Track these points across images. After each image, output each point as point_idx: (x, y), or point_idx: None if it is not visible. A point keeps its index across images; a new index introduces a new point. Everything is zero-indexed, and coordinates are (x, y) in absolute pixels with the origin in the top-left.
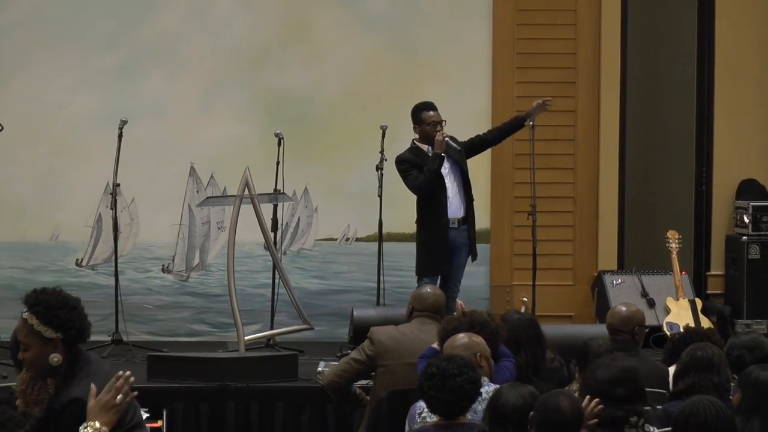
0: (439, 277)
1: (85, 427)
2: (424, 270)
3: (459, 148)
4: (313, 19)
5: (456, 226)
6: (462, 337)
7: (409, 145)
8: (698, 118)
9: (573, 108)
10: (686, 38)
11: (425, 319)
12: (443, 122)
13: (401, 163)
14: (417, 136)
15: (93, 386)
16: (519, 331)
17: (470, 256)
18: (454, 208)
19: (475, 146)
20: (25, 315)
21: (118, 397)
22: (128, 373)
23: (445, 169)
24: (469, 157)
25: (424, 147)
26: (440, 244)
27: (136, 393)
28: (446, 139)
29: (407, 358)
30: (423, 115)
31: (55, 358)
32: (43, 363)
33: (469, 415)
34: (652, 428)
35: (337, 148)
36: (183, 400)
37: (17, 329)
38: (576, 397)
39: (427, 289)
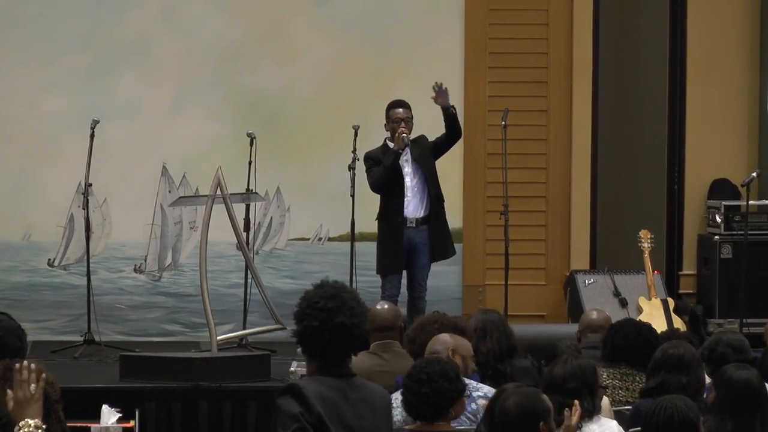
0: (407, 277)
1: (20, 429)
2: (381, 268)
3: (408, 143)
4: (286, 18)
5: (414, 225)
6: (444, 336)
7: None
8: (670, 118)
9: (545, 107)
10: (658, 37)
11: (383, 343)
12: (409, 120)
13: (366, 159)
14: (389, 134)
15: (9, 391)
16: (486, 320)
17: (436, 257)
18: (413, 207)
19: (438, 147)
20: None
21: (32, 386)
22: (25, 362)
23: (407, 167)
24: (437, 157)
25: (392, 144)
26: (395, 243)
27: (45, 376)
28: (403, 136)
29: None
30: (390, 113)
31: None
32: None
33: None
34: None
35: (309, 148)
36: (155, 400)
37: None
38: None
39: (377, 306)
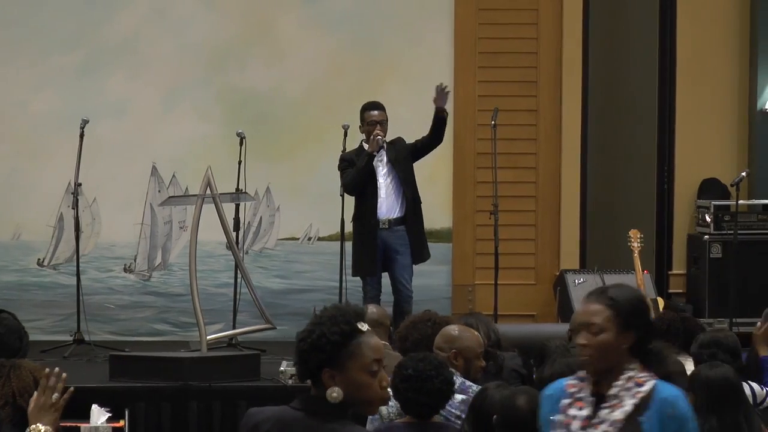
0: (389, 279)
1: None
2: (355, 270)
3: (382, 145)
4: (276, 18)
5: (387, 226)
6: (452, 331)
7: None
8: (660, 118)
9: (535, 107)
10: (648, 37)
11: None
12: (384, 122)
13: (341, 161)
14: (364, 135)
15: (35, 393)
16: (470, 321)
17: (416, 258)
18: (386, 209)
19: (417, 149)
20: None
21: (54, 395)
22: (57, 369)
23: (383, 169)
24: (415, 159)
25: (367, 146)
26: (368, 245)
27: (72, 389)
28: (378, 138)
29: None
30: (365, 115)
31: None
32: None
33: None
34: None
35: (299, 148)
36: (145, 400)
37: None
38: (535, 393)
39: (366, 309)
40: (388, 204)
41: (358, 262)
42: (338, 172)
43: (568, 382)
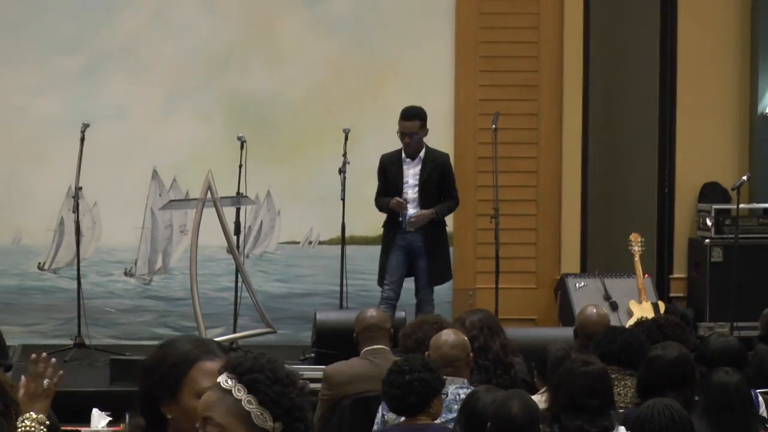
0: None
1: (22, 420)
2: (379, 277)
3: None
4: (276, 21)
5: (413, 229)
6: (459, 338)
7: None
8: (661, 121)
9: (536, 111)
10: (649, 41)
11: (374, 349)
12: (414, 134)
13: (380, 165)
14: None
15: (23, 377)
16: (489, 317)
17: (437, 279)
18: (409, 212)
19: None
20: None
21: (45, 381)
22: (44, 354)
23: (413, 182)
24: None
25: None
26: (387, 254)
27: (61, 372)
28: (403, 205)
29: (364, 393)
30: (399, 123)
31: None
32: None
33: (443, 416)
34: None
35: (300, 151)
36: None
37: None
38: (528, 397)
39: (366, 313)
40: (410, 209)
41: (380, 268)
42: (339, 175)
43: None
